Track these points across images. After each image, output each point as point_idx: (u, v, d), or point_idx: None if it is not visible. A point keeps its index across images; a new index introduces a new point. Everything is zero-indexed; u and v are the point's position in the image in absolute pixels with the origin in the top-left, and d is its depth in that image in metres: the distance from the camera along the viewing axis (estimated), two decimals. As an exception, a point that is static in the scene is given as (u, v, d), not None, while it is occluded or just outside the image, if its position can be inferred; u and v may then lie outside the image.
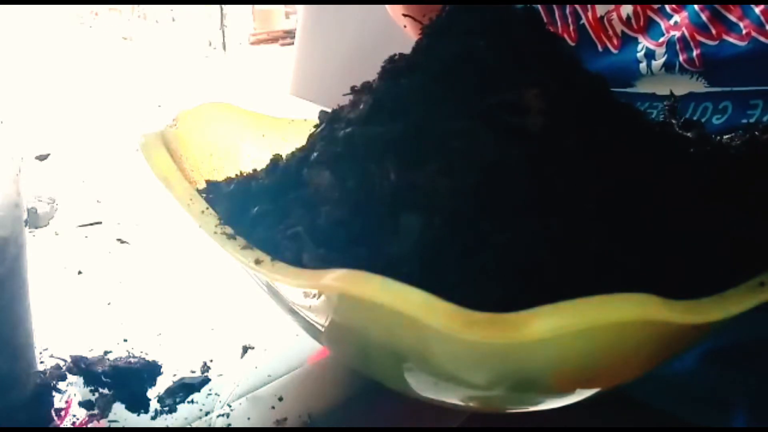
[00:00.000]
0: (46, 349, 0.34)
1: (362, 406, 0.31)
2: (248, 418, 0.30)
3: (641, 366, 0.25)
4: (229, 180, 0.31)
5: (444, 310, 0.18)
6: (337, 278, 0.20)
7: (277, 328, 0.37)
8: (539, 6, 0.49)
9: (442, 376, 0.23)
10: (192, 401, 0.31)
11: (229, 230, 0.25)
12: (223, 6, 3.35)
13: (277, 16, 3.58)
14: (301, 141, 0.30)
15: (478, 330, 0.18)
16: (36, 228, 0.53)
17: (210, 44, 2.92)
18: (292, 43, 0.90)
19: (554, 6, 0.50)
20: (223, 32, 3.13)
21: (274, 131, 0.39)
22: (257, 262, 0.23)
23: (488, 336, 0.18)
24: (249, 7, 3.62)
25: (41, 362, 0.33)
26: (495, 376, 0.23)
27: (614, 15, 0.46)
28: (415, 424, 0.29)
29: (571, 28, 0.49)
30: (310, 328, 0.29)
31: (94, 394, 0.31)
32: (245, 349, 0.35)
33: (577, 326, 0.18)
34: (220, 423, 0.30)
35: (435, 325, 0.18)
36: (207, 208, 0.27)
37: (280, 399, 0.31)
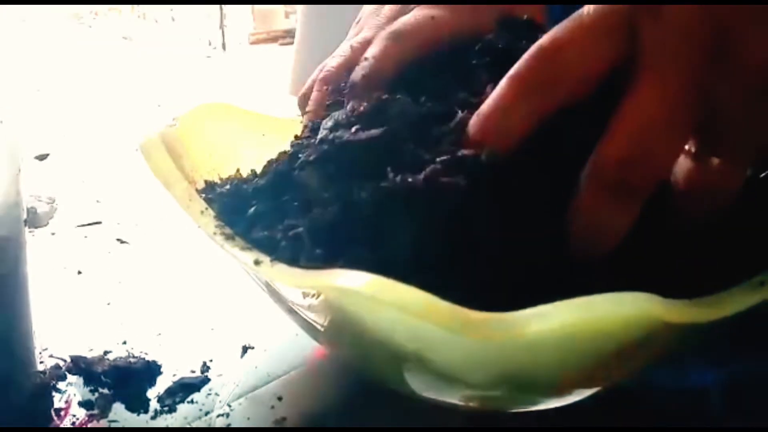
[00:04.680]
0: (46, 349, 0.34)
1: (362, 406, 0.31)
2: (248, 418, 0.30)
3: (640, 365, 0.25)
4: (228, 180, 0.31)
5: (444, 310, 0.18)
6: (336, 278, 0.20)
7: (277, 328, 0.37)
8: None
9: (441, 376, 0.23)
10: (192, 401, 0.31)
11: (228, 230, 0.25)
12: (222, 6, 3.35)
13: (277, 15, 3.58)
14: (301, 141, 0.30)
15: (478, 330, 0.18)
16: (36, 228, 0.53)
17: (210, 44, 2.92)
18: (292, 43, 0.90)
19: None
20: (223, 32, 3.12)
21: (274, 131, 0.39)
22: (257, 262, 0.23)
23: (488, 336, 0.18)
24: (248, 7, 3.62)
25: (41, 362, 0.33)
26: (495, 376, 0.23)
27: None
28: (415, 424, 0.29)
29: None
30: (310, 328, 0.29)
31: (94, 394, 0.31)
32: (245, 349, 0.35)
33: (576, 326, 0.18)
34: (220, 423, 0.30)
35: (435, 325, 0.18)
36: (206, 208, 0.27)
37: (280, 399, 0.31)
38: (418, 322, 0.18)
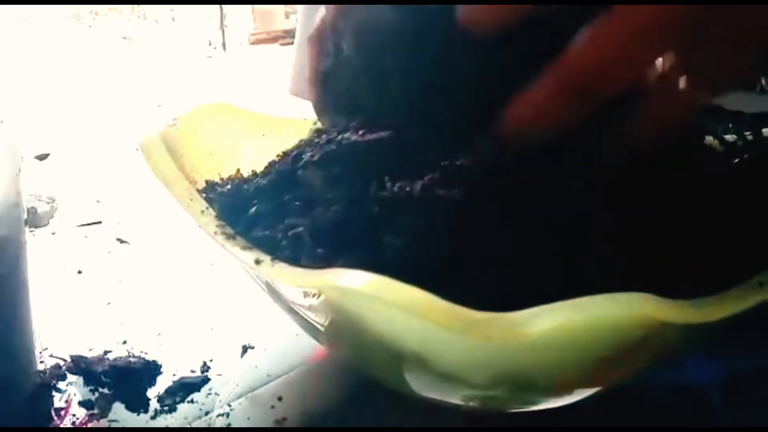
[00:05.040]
0: (46, 349, 0.34)
1: (362, 406, 0.31)
2: (248, 418, 0.30)
3: (640, 366, 0.25)
4: (228, 180, 0.31)
5: (444, 310, 0.18)
6: (336, 277, 0.20)
7: (277, 328, 0.37)
8: None
9: (442, 376, 0.23)
10: (192, 401, 0.31)
11: (229, 230, 0.25)
12: (222, 6, 3.35)
13: (277, 15, 3.58)
14: (301, 141, 0.30)
15: (479, 329, 0.18)
16: (36, 228, 0.53)
17: (210, 44, 2.92)
18: (292, 43, 0.90)
19: None
20: (223, 32, 3.12)
21: (274, 131, 0.39)
22: (257, 261, 0.23)
23: (488, 336, 0.18)
24: (248, 7, 3.62)
25: (41, 362, 0.33)
26: (495, 376, 0.23)
27: None
28: (415, 424, 0.29)
29: None
30: (310, 328, 0.29)
31: (94, 394, 0.31)
32: (245, 349, 0.35)
33: (576, 326, 0.18)
34: (219, 423, 0.30)
35: (435, 325, 0.18)
36: (207, 208, 0.27)
37: (280, 399, 0.31)
38: (418, 322, 0.18)
